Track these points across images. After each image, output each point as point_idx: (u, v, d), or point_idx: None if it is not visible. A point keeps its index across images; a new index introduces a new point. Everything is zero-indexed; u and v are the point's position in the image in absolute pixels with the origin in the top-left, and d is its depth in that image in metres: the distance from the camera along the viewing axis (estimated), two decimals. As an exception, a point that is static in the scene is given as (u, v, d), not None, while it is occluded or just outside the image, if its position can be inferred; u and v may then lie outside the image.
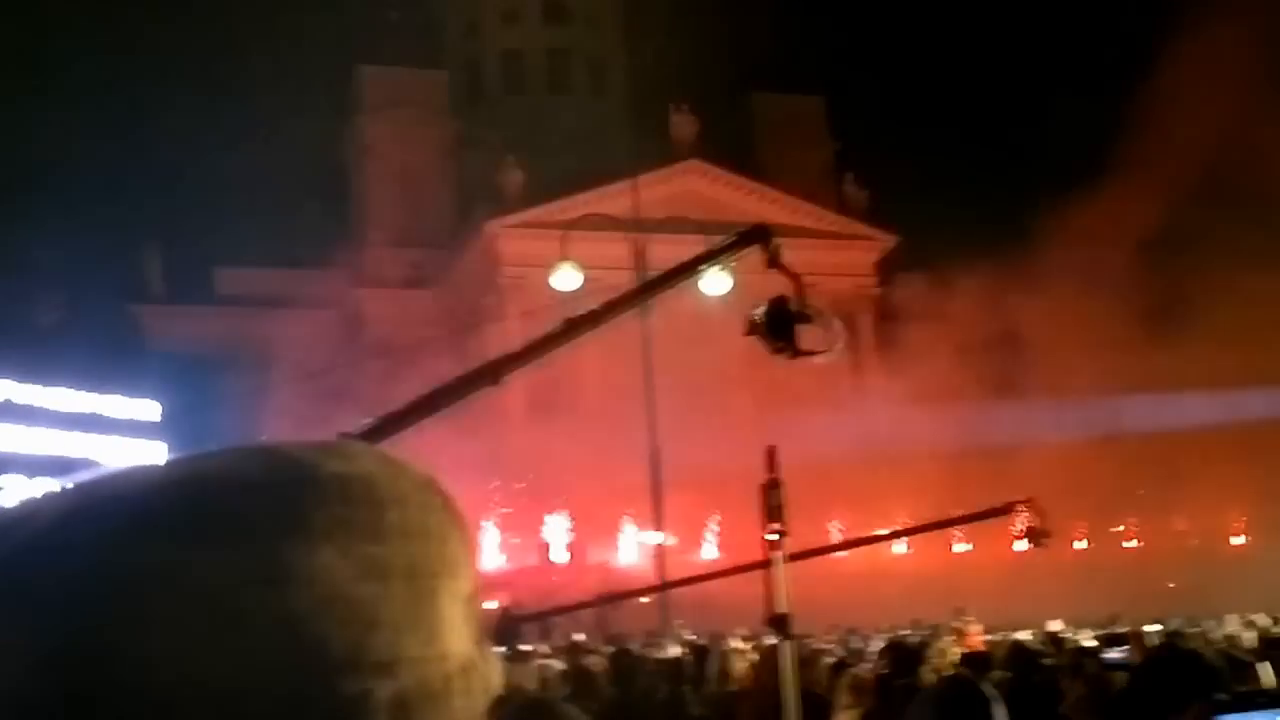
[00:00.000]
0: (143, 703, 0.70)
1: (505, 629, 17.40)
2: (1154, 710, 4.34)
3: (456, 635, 0.82)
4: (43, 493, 0.81)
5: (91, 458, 34.38)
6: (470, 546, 0.86)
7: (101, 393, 35.46)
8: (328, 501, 0.77)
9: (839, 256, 56.18)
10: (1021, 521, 20.06)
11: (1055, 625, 26.99)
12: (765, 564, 5.19)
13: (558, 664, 14.64)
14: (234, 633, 0.72)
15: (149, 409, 36.76)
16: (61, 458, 33.53)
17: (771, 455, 5.44)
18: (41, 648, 0.71)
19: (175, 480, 0.77)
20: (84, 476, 0.82)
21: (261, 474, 0.78)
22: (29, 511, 0.77)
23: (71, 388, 34.62)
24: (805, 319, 4.78)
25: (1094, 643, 16.40)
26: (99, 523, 0.74)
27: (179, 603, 0.72)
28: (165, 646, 0.71)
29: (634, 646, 19.33)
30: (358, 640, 0.75)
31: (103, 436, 35.31)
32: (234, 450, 0.81)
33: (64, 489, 0.79)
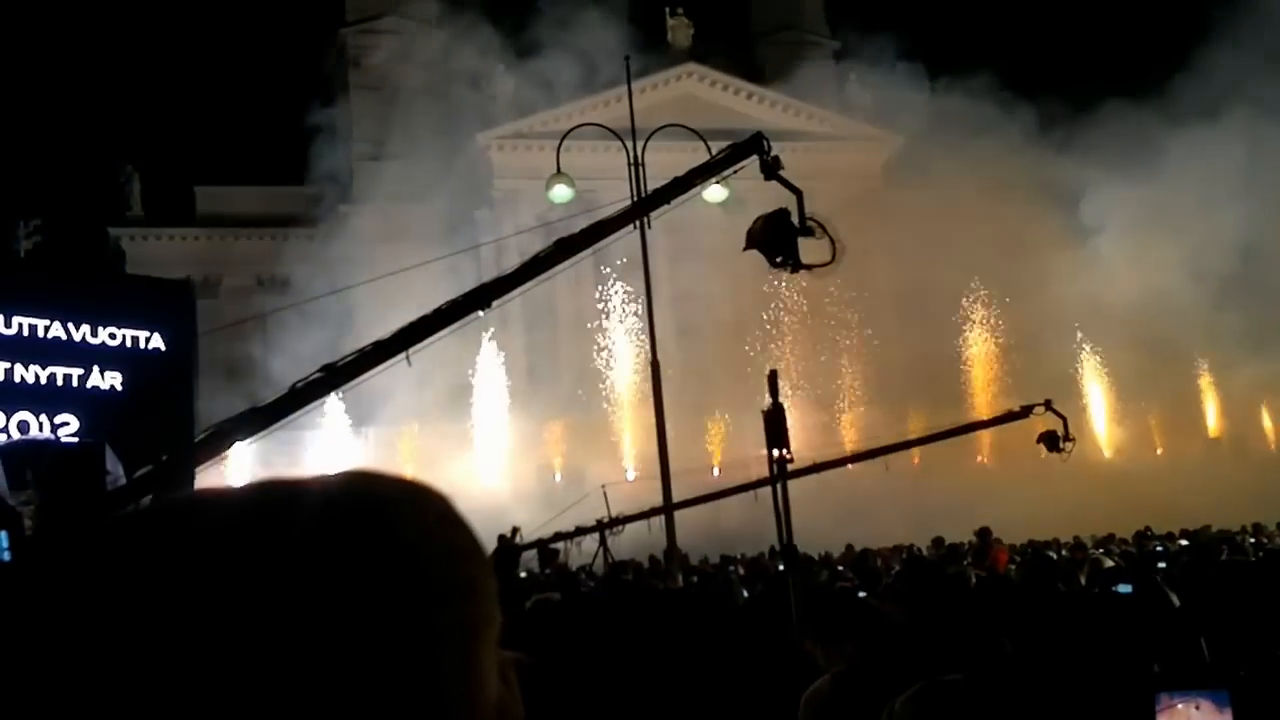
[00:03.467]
0: None
1: (503, 560, 17.58)
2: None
3: (492, 682, 0.84)
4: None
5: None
6: (493, 578, 0.88)
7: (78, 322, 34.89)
8: (392, 575, 0.79)
9: (843, 159, 55.77)
10: (1042, 425, 19.86)
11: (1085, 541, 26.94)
12: (768, 483, 5.23)
13: (555, 595, 14.67)
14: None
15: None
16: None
17: (773, 380, 5.45)
18: None
19: (245, 556, 0.78)
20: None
21: (327, 565, 0.78)
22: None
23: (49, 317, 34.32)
24: (806, 231, 4.78)
25: (1112, 563, 16.43)
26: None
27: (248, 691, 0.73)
28: None
29: (634, 573, 19.36)
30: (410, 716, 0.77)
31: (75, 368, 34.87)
32: (303, 518, 0.81)
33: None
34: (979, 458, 46.43)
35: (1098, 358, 49.95)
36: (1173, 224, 47.48)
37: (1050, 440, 20.89)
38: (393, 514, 0.82)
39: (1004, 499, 34.84)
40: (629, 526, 20.51)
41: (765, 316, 47.17)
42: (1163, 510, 32.10)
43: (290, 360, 37.43)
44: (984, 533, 21.63)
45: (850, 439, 43.89)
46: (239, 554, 0.77)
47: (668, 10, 59.84)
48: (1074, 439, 20.75)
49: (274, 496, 0.83)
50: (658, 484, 21.55)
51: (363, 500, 0.83)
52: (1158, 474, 45.05)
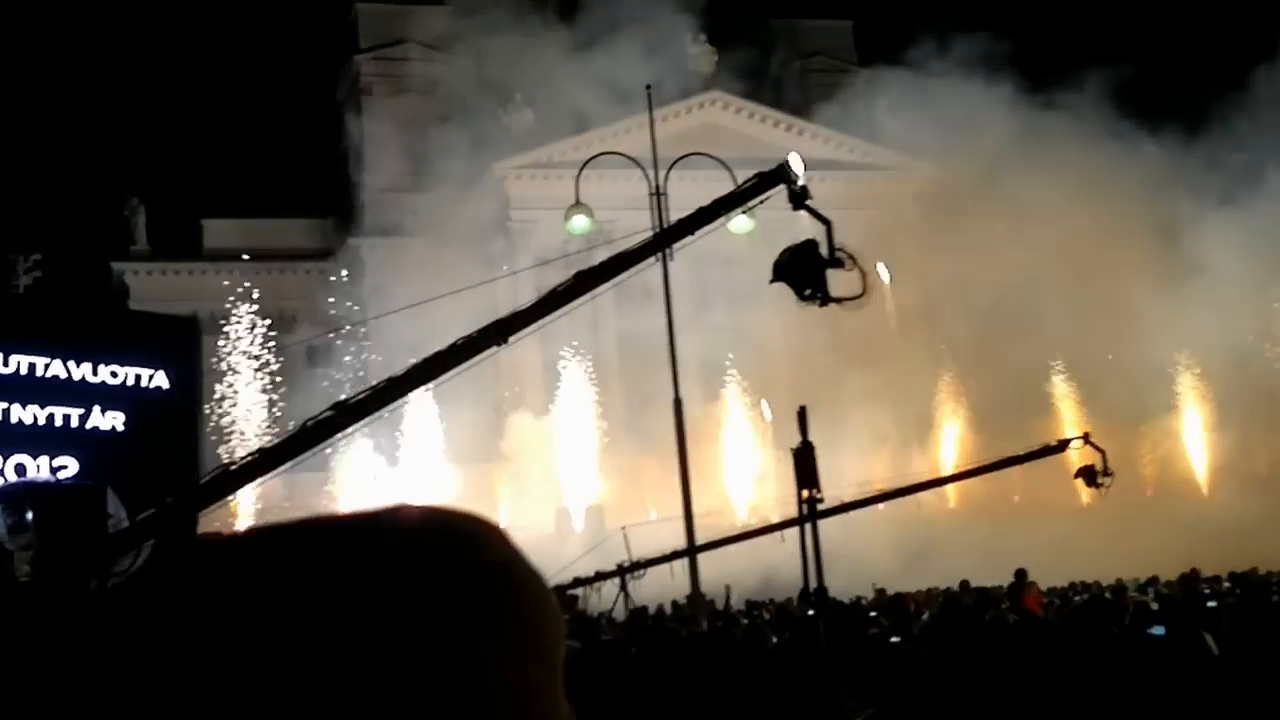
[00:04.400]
0: None
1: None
2: None
3: (563, 699, 0.90)
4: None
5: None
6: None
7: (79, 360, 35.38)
8: (481, 594, 0.86)
9: (873, 189, 55.75)
10: (1077, 459, 19.69)
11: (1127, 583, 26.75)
12: (796, 523, 5.19)
13: (574, 643, 14.63)
14: None
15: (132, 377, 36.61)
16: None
17: (803, 417, 5.42)
18: None
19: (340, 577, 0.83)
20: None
21: (417, 573, 0.85)
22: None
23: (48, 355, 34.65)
24: (836, 263, 4.76)
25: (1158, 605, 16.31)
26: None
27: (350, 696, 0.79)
28: None
29: (658, 618, 19.26)
30: None
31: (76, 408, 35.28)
32: (381, 541, 0.87)
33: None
34: (1015, 497, 46.21)
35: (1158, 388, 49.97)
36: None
37: (1089, 475, 20.80)
38: (478, 542, 0.89)
39: (1053, 538, 34.59)
40: (653, 571, 20.42)
41: (795, 350, 46.97)
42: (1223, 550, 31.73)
43: (302, 397, 37.57)
44: (1020, 574, 21.48)
45: (895, 475, 43.65)
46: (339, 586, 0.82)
47: (689, 37, 59.99)
48: (1113, 473, 20.63)
49: (351, 529, 0.89)
50: (682, 525, 21.50)
51: (449, 530, 0.90)
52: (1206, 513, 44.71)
